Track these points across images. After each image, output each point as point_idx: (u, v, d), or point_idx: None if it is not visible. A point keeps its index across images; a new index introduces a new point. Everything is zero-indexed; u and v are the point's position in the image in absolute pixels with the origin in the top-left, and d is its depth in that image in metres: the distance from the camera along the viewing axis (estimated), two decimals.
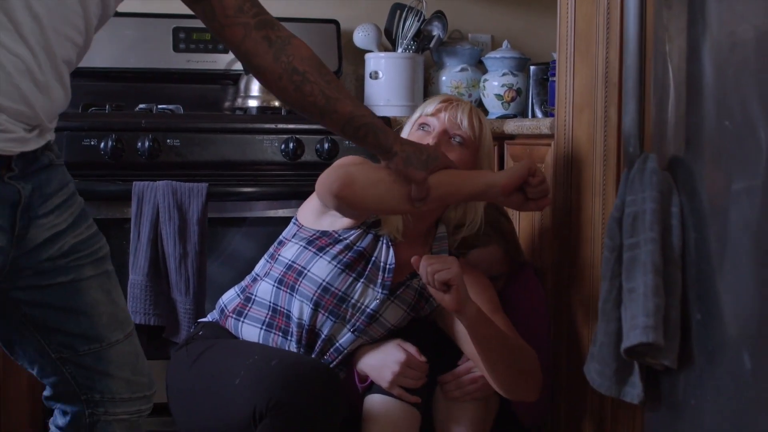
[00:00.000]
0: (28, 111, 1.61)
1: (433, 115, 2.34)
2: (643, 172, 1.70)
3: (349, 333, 2.30)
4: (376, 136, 2.00)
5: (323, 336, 2.28)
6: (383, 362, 2.26)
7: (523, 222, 2.88)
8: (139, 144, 2.75)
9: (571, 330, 2.54)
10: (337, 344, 2.30)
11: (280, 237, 2.41)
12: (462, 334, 2.26)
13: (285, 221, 2.87)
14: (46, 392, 1.88)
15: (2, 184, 1.63)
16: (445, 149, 2.28)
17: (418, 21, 3.49)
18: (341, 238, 2.30)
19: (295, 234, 2.36)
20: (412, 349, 2.27)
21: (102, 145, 2.73)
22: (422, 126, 2.35)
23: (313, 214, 2.36)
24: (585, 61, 2.48)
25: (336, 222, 2.32)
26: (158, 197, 2.69)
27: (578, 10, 2.51)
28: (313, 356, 2.29)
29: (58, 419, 1.89)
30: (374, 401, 2.26)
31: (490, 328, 2.20)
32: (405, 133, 2.37)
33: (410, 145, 2.07)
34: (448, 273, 2.07)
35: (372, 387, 2.29)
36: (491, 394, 2.33)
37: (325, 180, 2.14)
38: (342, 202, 2.12)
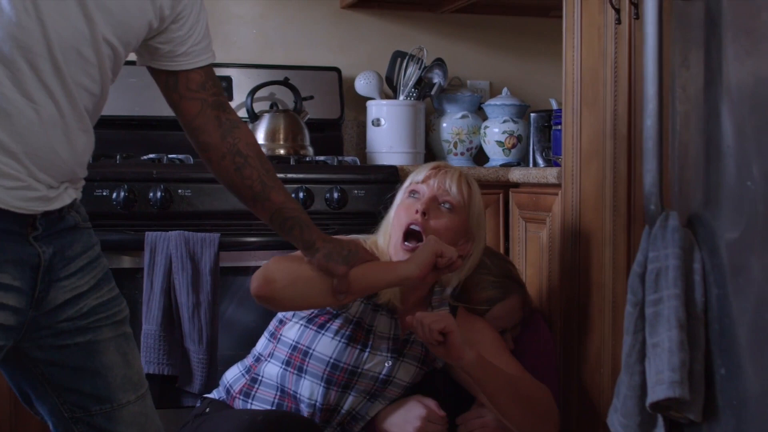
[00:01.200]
0: (58, 162, 1.65)
1: (422, 182, 2.38)
2: (665, 230, 1.74)
3: (366, 401, 2.32)
4: (302, 231, 2.05)
5: (343, 411, 2.31)
6: (404, 419, 2.29)
7: (530, 269, 2.92)
8: (151, 194, 2.78)
9: (581, 377, 2.57)
10: (354, 413, 2.32)
11: (279, 315, 2.40)
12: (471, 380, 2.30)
13: None
14: None
15: (25, 245, 1.66)
16: (435, 215, 2.31)
17: (419, 69, 3.54)
18: (339, 312, 2.31)
19: (294, 312, 2.35)
20: (432, 404, 2.30)
21: (114, 195, 2.76)
22: (412, 193, 2.38)
23: None
24: (592, 112, 2.53)
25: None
26: (171, 247, 2.72)
27: (584, 62, 2.56)
28: (329, 428, 2.32)
29: None
30: None
31: (495, 373, 2.23)
32: (396, 201, 2.41)
33: (331, 241, 2.12)
34: (441, 322, 2.12)
35: None
36: None
37: (251, 282, 2.20)
38: (265, 302, 2.17)
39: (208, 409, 2.38)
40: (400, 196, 2.42)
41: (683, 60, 1.74)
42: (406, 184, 2.42)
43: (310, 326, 2.31)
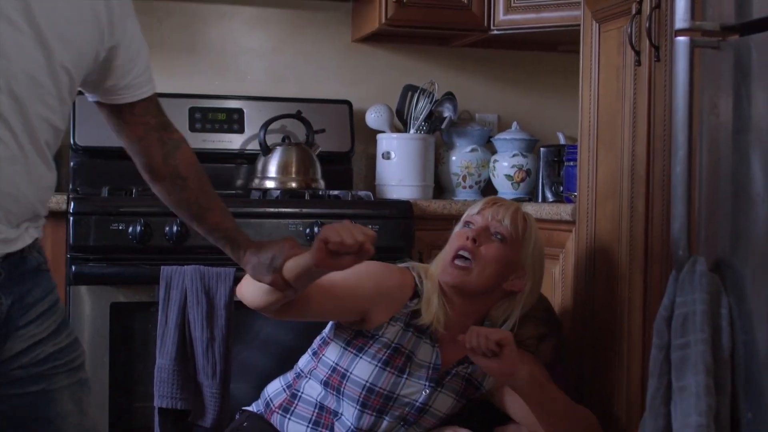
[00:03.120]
0: (21, 200, 1.62)
1: (477, 213, 2.40)
2: (693, 275, 1.76)
3: (401, 427, 2.33)
4: (231, 248, 2.03)
5: None
6: None
7: None
8: (167, 228, 2.79)
9: (596, 413, 2.58)
10: None
11: (323, 334, 2.43)
12: (514, 405, 2.32)
13: None
14: None
15: None
16: (485, 243, 2.33)
17: (430, 102, 3.56)
18: (377, 335, 2.32)
19: (335, 334, 2.38)
20: None
21: (130, 229, 2.77)
22: (467, 224, 2.40)
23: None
24: (608, 151, 2.54)
25: (367, 321, 2.34)
26: (186, 282, 2.72)
27: (601, 101, 2.58)
28: None
29: None
30: None
31: (546, 391, 2.25)
32: (455, 231, 2.43)
33: (257, 252, 2.03)
34: (498, 333, 2.14)
35: None
36: None
37: None
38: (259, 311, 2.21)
39: (245, 423, 2.40)
40: (457, 228, 2.43)
41: (712, 107, 1.76)
42: (463, 217, 2.45)
43: (349, 348, 2.33)
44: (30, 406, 1.72)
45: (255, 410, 2.45)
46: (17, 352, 1.68)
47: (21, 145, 1.61)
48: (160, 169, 1.96)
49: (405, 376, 2.32)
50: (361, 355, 2.31)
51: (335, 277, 2.12)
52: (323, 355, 2.37)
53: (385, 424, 2.31)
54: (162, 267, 2.74)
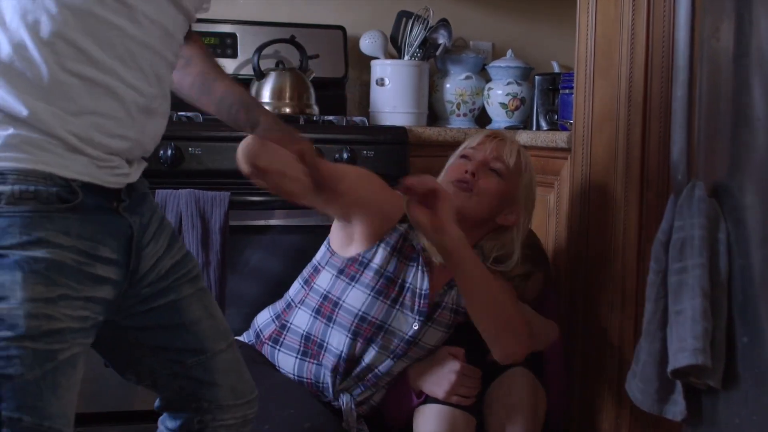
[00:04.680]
0: (143, 141, 1.71)
1: (475, 147, 2.40)
2: (691, 199, 1.76)
3: (389, 359, 2.35)
4: (246, 112, 2.00)
5: (362, 364, 2.34)
6: (439, 375, 2.33)
7: (537, 232, 2.93)
8: (161, 152, 2.78)
9: (586, 341, 2.60)
10: (376, 370, 2.36)
11: (314, 261, 2.44)
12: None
13: (304, 229, 2.92)
14: (157, 403, 1.95)
15: (117, 217, 1.70)
16: (483, 177, 2.34)
17: (424, 29, 3.53)
18: (367, 261, 2.33)
19: (328, 261, 2.38)
20: (461, 353, 2.35)
21: None
22: (463, 157, 2.40)
23: (340, 239, 2.39)
24: (605, 78, 2.54)
25: (355, 239, 2.35)
26: (181, 205, 2.72)
27: (599, 28, 2.57)
28: (348, 380, 2.35)
29: (167, 421, 1.95)
30: (430, 411, 2.32)
31: (475, 264, 2.18)
32: (448, 164, 2.43)
33: (273, 116, 2.04)
34: (435, 183, 2.08)
35: (426, 399, 2.35)
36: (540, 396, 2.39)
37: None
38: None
39: None
40: (451, 160, 2.43)
41: (714, 31, 1.75)
42: (459, 150, 2.44)
43: (342, 277, 2.34)
44: (165, 318, 1.83)
45: (246, 340, 2.47)
46: (147, 270, 1.77)
47: (167, 98, 1.76)
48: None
49: (397, 307, 2.33)
50: (353, 283, 2.32)
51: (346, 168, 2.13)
52: (314, 283, 2.38)
53: (373, 353, 2.33)
54: (156, 190, 2.74)
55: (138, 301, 1.79)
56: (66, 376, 1.62)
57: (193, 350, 1.86)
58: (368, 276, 2.32)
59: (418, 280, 2.35)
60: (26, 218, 1.56)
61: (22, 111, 1.55)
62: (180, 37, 1.80)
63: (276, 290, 2.61)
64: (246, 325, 2.57)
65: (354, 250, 2.35)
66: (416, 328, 2.34)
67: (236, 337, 2.50)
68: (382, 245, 2.34)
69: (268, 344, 2.41)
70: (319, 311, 2.34)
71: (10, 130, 1.55)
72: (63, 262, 1.59)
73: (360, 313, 2.30)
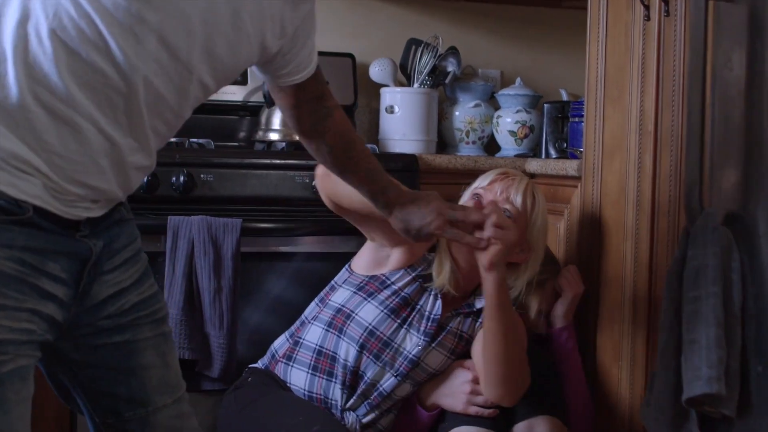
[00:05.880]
0: (109, 190, 1.61)
1: (487, 187, 2.41)
2: (705, 228, 1.77)
3: (392, 378, 2.38)
4: (376, 205, 2.11)
5: (366, 379, 2.36)
6: (453, 387, 2.37)
7: None
8: (173, 179, 2.79)
9: (597, 370, 2.60)
10: (380, 388, 2.38)
11: (332, 282, 2.51)
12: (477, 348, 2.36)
13: (316, 256, 2.93)
14: None
15: (74, 241, 1.59)
16: None
17: (433, 57, 3.55)
18: (389, 282, 2.40)
19: (346, 280, 2.46)
20: (472, 364, 2.38)
21: None
22: (475, 196, 2.41)
23: (366, 263, 2.47)
24: (616, 107, 2.55)
25: (386, 263, 2.42)
26: (193, 232, 2.73)
27: (609, 57, 2.58)
28: (354, 398, 2.37)
29: None
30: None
31: (508, 304, 2.24)
32: (461, 201, 2.45)
33: (402, 218, 2.12)
34: (508, 220, 2.16)
35: (446, 418, 2.38)
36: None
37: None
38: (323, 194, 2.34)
39: (250, 379, 2.46)
40: (463, 199, 2.45)
41: (726, 61, 1.77)
42: (471, 188, 2.45)
43: (359, 293, 2.41)
44: (114, 358, 1.71)
45: (260, 366, 2.50)
46: (104, 298, 1.67)
47: (152, 155, 1.66)
48: (308, 133, 2.00)
49: (405, 326, 2.38)
50: (369, 299, 2.39)
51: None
52: (329, 300, 2.45)
53: (377, 369, 2.36)
54: (169, 217, 2.75)
55: (92, 332, 1.68)
56: (14, 389, 1.52)
57: (134, 401, 1.73)
58: (385, 294, 2.39)
59: (429, 303, 2.41)
60: None
61: None
62: (189, 103, 1.69)
63: (288, 317, 2.62)
64: (258, 351, 2.59)
65: (380, 270, 2.43)
66: (420, 347, 2.37)
67: (251, 365, 2.52)
68: (409, 270, 2.43)
69: (282, 362, 2.45)
70: (331, 324, 2.39)
71: None
72: (1, 270, 1.49)
73: (370, 327, 2.36)
